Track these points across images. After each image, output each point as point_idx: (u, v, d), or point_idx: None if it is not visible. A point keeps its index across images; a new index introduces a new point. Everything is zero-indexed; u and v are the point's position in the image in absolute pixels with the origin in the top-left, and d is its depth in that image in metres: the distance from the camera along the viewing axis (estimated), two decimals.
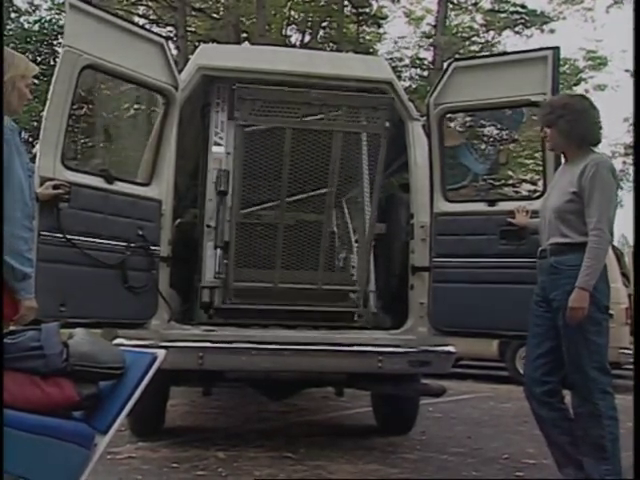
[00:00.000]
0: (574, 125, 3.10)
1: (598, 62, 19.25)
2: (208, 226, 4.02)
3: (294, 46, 16.65)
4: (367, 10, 17.95)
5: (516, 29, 17.66)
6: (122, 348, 2.57)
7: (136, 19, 15.54)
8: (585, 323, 2.97)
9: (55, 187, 3.31)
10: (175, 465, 3.74)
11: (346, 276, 4.44)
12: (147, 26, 11.31)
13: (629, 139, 18.63)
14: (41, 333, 2.24)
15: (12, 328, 2.40)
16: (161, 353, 2.35)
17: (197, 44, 10.10)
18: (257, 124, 3.70)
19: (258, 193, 4.33)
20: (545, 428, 3.17)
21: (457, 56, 13.52)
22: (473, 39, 18.86)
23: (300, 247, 4.24)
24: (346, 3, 17.39)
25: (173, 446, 4.20)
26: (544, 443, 3.26)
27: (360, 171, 4.43)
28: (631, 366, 7.49)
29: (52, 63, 14.72)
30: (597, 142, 3.19)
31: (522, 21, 17.46)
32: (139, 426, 4.33)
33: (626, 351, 7.63)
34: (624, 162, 19.17)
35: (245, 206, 4.13)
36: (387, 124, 3.64)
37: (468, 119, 4.57)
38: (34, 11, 17.34)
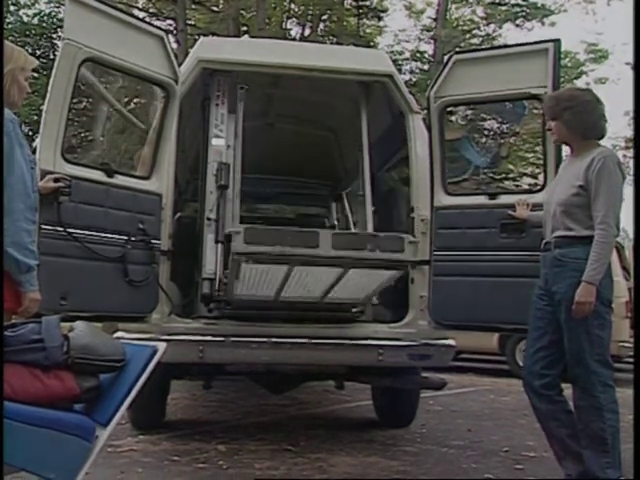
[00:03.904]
0: (580, 117, 3.09)
1: (599, 55, 19.23)
2: (209, 219, 4.02)
3: (294, 39, 16.60)
4: (367, 3, 17.89)
5: (517, 22, 17.61)
6: (123, 341, 2.57)
7: (136, 12, 15.48)
8: (588, 316, 2.98)
9: (55, 180, 3.31)
10: (176, 458, 3.75)
11: None
12: (147, 19, 11.28)
13: (630, 132, 18.62)
14: (42, 326, 2.24)
15: (13, 321, 2.40)
16: (161, 346, 2.34)
17: (197, 37, 10.07)
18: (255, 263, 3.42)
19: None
20: (544, 421, 3.18)
21: (458, 49, 13.48)
22: (474, 32, 18.82)
23: None
24: None
25: (174, 439, 4.22)
26: (544, 436, 3.26)
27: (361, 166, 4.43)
28: (631, 359, 7.51)
29: (52, 57, 14.70)
30: (602, 136, 3.19)
31: (523, 14, 17.40)
32: (140, 419, 4.35)
33: (626, 344, 7.64)
34: (624, 155, 19.16)
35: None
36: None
37: (469, 112, 4.55)
38: (33, 4, 17.29)
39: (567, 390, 3.16)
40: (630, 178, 6.55)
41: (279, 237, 3.39)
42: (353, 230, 4.93)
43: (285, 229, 3.57)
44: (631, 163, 16.26)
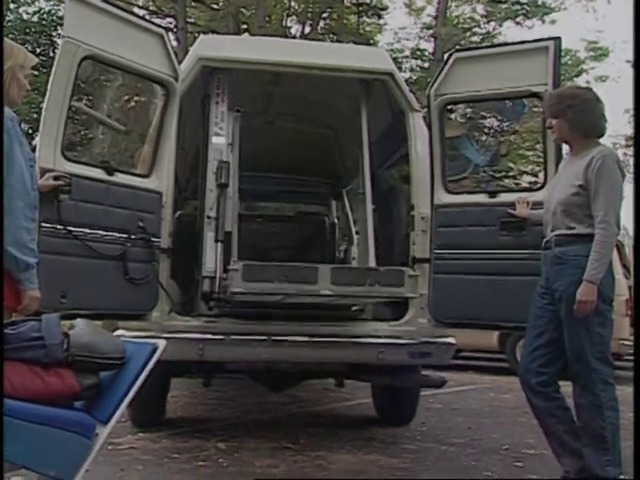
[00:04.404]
0: (582, 116, 3.09)
1: (599, 53, 19.17)
2: (209, 217, 4.02)
3: (294, 37, 16.59)
4: (367, 1, 17.86)
5: (517, 20, 17.59)
6: (123, 339, 2.57)
7: (136, 10, 15.45)
8: (589, 314, 2.97)
9: (55, 178, 3.31)
10: (176, 455, 3.75)
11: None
12: (147, 17, 11.25)
13: (630, 130, 18.59)
14: (42, 323, 2.24)
15: (13, 319, 2.40)
16: (162, 344, 2.34)
17: (197, 35, 10.05)
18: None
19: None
20: (541, 417, 3.19)
21: (458, 47, 13.46)
22: (474, 30, 18.77)
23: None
24: None
25: (174, 437, 4.22)
26: (543, 434, 3.27)
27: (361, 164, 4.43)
28: (631, 357, 7.51)
29: (51, 55, 14.68)
30: (602, 134, 3.19)
31: (523, 12, 17.37)
32: (140, 417, 4.35)
33: (626, 342, 7.64)
34: (625, 154, 19.13)
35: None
36: None
37: (469, 110, 4.55)
38: (33, 2, 17.25)
39: (565, 387, 3.16)
40: (630, 176, 6.55)
41: (277, 273, 3.44)
42: (354, 256, 5.07)
43: (283, 265, 3.63)
44: (631, 161, 16.25)
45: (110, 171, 3.62)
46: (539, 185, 3.84)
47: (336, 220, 6.95)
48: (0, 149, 2.37)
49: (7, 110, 2.46)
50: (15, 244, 2.40)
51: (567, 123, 3.13)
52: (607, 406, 2.99)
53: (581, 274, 2.97)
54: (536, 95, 3.66)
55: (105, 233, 3.55)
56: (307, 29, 18.05)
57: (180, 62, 4.04)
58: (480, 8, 18.73)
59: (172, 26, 15.67)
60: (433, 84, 3.94)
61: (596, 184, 3.00)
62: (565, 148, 3.42)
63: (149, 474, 3.41)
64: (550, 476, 3.37)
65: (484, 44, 15.78)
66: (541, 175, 3.87)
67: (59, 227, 3.35)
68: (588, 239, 3.00)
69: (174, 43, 13.77)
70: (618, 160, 3.14)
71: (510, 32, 19.77)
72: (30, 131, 12.25)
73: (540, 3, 17.43)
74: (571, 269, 3.03)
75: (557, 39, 3.63)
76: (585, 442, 3.04)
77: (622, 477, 2.99)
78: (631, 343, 7.53)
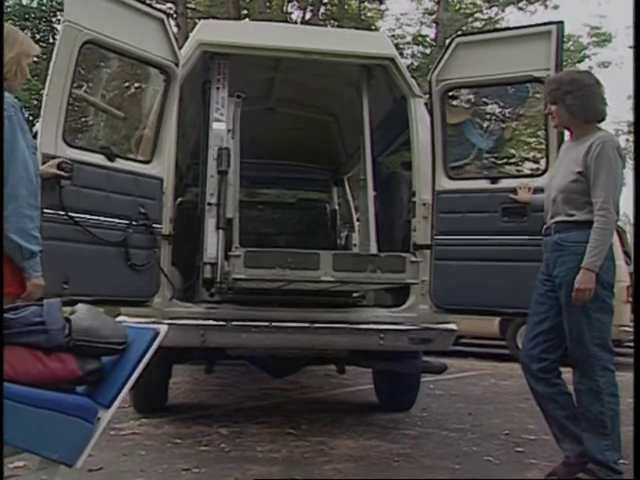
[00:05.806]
0: (581, 101, 3.07)
1: (602, 39, 19.10)
2: (210, 204, 4.01)
3: (295, 23, 16.49)
4: None
5: (519, 5, 17.49)
6: (124, 324, 2.57)
7: None
8: (587, 301, 2.97)
9: (57, 166, 3.30)
10: (178, 441, 3.77)
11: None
12: (147, 2, 11.18)
13: (632, 117, 18.47)
14: (43, 308, 2.24)
15: (15, 304, 2.40)
16: (163, 328, 2.35)
17: (197, 21, 9.98)
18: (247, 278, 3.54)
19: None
20: (542, 403, 3.20)
21: (460, 32, 13.38)
22: (476, 15, 18.69)
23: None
24: None
25: (176, 422, 4.24)
26: (544, 419, 3.28)
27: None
28: (632, 343, 7.52)
29: (51, 40, 14.62)
30: (602, 119, 3.17)
31: None
32: (142, 403, 4.38)
33: (627, 329, 7.65)
34: (627, 140, 19.07)
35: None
36: None
37: (472, 96, 4.52)
38: None
39: (567, 374, 3.17)
40: (631, 162, 6.52)
41: (279, 259, 3.46)
42: (354, 240, 5.16)
43: (285, 251, 3.65)
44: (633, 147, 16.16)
45: (111, 157, 3.62)
46: (541, 171, 3.83)
47: (337, 207, 6.94)
48: (1, 138, 2.36)
49: (8, 96, 2.45)
50: (19, 232, 2.40)
51: (566, 109, 3.10)
52: (606, 392, 3.00)
53: (580, 261, 2.97)
54: (538, 80, 3.64)
55: (106, 219, 3.55)
56: (308, 15, 17.95)
57: (180, 48, 4.02)
58: None
59: (172, 12, 15.59)
60: (435, 69, 3.92)
61: (595, 171, 2.99)
62: (567, 133, 3.41)
63: (152, 459, 3.43)
64: (550, 461, 3.39)
65: (486, 29, 15.69)
66: (543, 162, 3.86)
67: (61, 213, 3.35)
68: (587, 226, 2.99)
69: (174, 29, 13.70)
70: (618, 146, 3.11)
71: (512, 17, 19.73)
72: (31, 118, 12.21)
73: None
74: (571, 255, 3.02)
75: (560, 23, 3.60)
76: (584, 427, 3.05)
77: (622, 461, 3.01)
78: (632, 329, 7.54)
